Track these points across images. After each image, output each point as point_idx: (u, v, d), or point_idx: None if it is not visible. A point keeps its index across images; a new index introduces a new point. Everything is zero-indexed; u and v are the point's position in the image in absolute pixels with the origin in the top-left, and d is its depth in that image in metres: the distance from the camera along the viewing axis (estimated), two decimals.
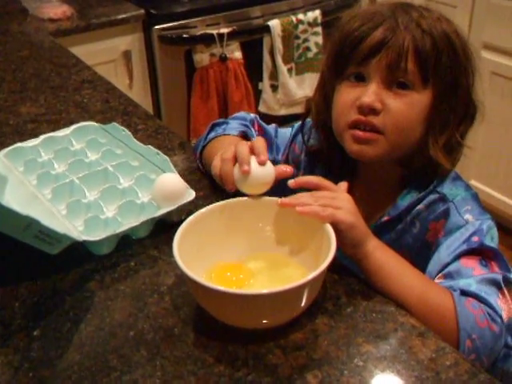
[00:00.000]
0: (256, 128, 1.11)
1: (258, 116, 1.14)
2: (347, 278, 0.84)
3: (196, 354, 0.73)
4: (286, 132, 1.12)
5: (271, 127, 1.13)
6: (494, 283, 0.82)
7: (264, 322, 0.75)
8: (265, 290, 0.71)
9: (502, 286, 0.83)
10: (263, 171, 0.84)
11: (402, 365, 0.71)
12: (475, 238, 0.86)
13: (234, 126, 1.07)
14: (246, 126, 1.09)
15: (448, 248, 0.87)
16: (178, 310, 0.80)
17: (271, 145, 1.10)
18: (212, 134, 1.07)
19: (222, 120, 1.11)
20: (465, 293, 0.80)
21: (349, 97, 0.91)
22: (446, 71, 0.88)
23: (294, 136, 1.10)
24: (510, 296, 0.84)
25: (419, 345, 0.74)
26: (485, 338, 0.78)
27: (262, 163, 0.83)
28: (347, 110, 0.90)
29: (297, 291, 0.72)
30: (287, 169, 0.87)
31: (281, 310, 0.74)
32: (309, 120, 1.05)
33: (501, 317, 0.79)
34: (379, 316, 0.78)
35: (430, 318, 0.78)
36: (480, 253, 0.85)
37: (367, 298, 0.81)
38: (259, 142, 0.86)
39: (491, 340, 0.78)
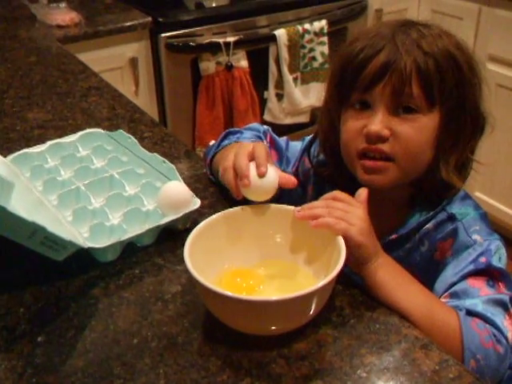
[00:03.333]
0: (268, 140, 1.11)
1: (270, 128, 1.14)
2: (351, 289, 0.84)
3: (200, 362, 0.73)
4: (297, 145, 1.12)
5: (283, 140, 1.13)
6: (501, 304, 0.82)
7: (272, 328, 0.75)
8: (274, 297, 0.71)
9: (509, 306, 0.83)
10: (264, 181, 0.84)
11: (405, 376, 0.71)
12: (483, 259, 0.86)
13: (247, 136, 1.07)
14: (259, 137, 1.09)
15: (455, 268, 0.87)
16: (182, 318, 0.80)
17: (281, 157, 1.10)
18: (225, 142, 1.06)
19: (236, 129, 1.11)
20: (471, 313, 0.80)
21: (355, 125, 0.90)
22: (452, 89, 0.87)
23: (305, 149, 1.11)
24: None
25: (423, 357, 0.74)
26: (489, 358, 0.78)
27: (261, 175, 0.83)
28: (355, 139, 0.90)
29: (306, 299, 0.72)
30: (291, 179, 0.86)
31: (289, 317, 0.74)
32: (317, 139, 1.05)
33: (506, 338, 0.79)
34: (383, 327, 0.78)
35: (434, 335, 0.77)
36: (487, 273, 0.85)
37: (371, 310, 0.81)
38: (259, 150, 0.86)
39: (496, 361, 0.78)
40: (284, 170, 1.07)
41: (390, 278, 0.82)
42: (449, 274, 0.88)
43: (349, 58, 0.89)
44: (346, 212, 0.81)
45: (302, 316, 0.75)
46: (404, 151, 0.87)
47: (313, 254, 0.84)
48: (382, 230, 0.92)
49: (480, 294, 0.83)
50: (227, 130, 1.10)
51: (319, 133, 1.02)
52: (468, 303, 0.81)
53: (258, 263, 0.86)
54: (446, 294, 0.85)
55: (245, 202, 0.88)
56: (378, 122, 0.86)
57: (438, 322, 0.79)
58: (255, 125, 1.14)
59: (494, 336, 0.79)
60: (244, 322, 0.75)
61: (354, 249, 0.79)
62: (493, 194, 2.43)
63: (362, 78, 0.87)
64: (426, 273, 0.92)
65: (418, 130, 0.87)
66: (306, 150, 1.08)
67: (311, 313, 0.75)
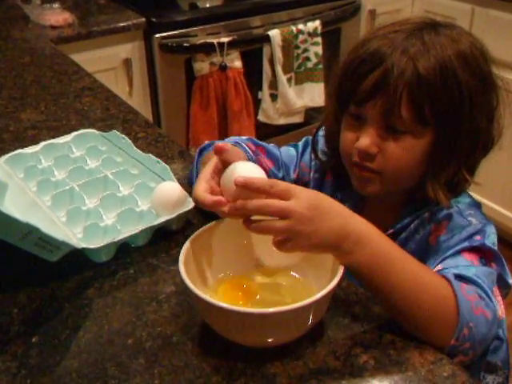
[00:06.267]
0: (259, 150, 1.07)
1: (252, 138, 1.10)
2: (346, 288, 0.84)
3: (194, 362, 0.73)
4: (288, 150, 1.11)
5: (274, 146, 1.10)
6: (491, 277, 0.83)
7: (269, 340, 0.74)
8: (270, 309, 0.69)
9: (495, 283, 0.83)
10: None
11: (399, 376, 0.71)
12: (477, 237, 0.86)
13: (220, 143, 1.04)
14: (235, 141, 1.03)
15: (449, 243, 0.87)
16: (177, 318, 0.80)
17: (279, 165, 1.08)
18: (200, 159, 1.03)
19: (208, 143, 1.06)
20: (460, 277, 0.79)
21: (350, 136, 0.91)
22: (448, 110, 0.85)
23: (302, 154, 1.10)
24: (502, 297, 0.84)
25: (417, 356, 0.74)
26: (480, 325, 0.77)
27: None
28: (349, 149, 0.91)
29: (303, 310, 0.70)
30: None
31: (286, 329, 0.73)
32: (319, 134, 1.05)
33: (493, 303, 0.78)
34: (377, 326, 0.78)
35: (425, 308, 0.75)
36: (481, 252, 0.85)
37: (365, 309, 0.81)
38: (206, 168, 0.82)
39: (485, 327, 0.77)
40: (283, 177, 1.06)
41: (370, 261, 0.76)
42: (442, 248, 0.88)
43: (350, 67, 0.89)
44: (288, 231, 0.73)
45: (300, 328, 0.74)
46: (390, 168, 0.89)
47: (308, 257, 0.82)
48: (379, 227, 0.92)
49: (472, 265, 0.82)
50: (199, 147, 1.06)
51: (325, 128, 1.03)
52: (460, 268, 0.81)
53: (255, 270, 0.85)
54: (438, 266, 0.84)
55: None
56: (366, 139, 0.88)
57: (430, 290, 0.77)
58: (233, 137, 1.09)
59: (483, 300, 0.78)
60: (239, 334, 0.74)
61: (316, 250, 0.76)
62: (484, 192, 2.42)
63: (358, 91, 0.87)
64: (422, 258, 0.91)
65: (406, 150, 0.87)
66: (311, 142, 1.07)
67: (309, 324, 0.73)
